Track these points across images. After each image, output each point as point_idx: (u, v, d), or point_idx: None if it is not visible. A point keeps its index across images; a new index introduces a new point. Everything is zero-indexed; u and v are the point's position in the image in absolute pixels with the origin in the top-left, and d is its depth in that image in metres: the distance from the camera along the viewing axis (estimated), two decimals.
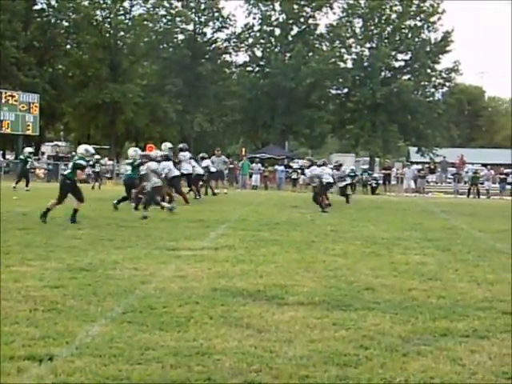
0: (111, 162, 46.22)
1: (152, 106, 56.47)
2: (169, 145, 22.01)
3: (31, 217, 15.47)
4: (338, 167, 26.03)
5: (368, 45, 59.96)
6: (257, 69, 62.92)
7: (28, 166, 28.87)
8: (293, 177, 41.61)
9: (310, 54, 59.90)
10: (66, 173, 15.21)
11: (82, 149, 15.41)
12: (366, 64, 59.33)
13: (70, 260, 9.32)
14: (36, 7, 56.00)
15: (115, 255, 9.90)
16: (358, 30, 59.97)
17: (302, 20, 60.89)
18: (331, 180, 22.41)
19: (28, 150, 30.88)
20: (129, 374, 4.60)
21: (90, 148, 15.82)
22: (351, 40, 60.29)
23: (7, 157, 55.36)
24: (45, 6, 56.23)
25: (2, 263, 8.88)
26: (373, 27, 59.35)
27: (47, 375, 4.52)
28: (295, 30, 61.24)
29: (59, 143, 69.71)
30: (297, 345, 5.41)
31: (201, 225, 14.76)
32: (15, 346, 5.13)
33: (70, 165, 15.41)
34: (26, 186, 27.55)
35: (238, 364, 4.87)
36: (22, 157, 29.88)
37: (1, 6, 50.80)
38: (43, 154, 58.36)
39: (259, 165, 43.71)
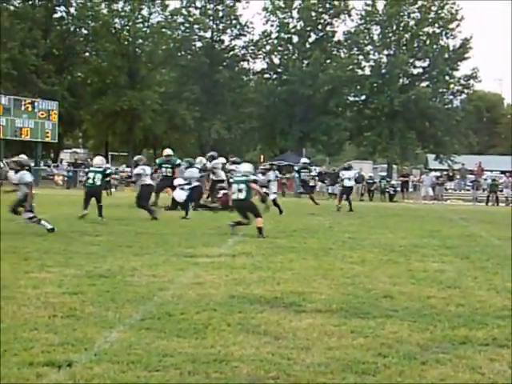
0: (129, 169, 46.36)
1: (170, 113, 56.68)
2: (169, 151, 22.24)
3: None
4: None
5: (386, 52, 59.86)
6: (274, 76, 62.96)
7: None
8: (310, 184, 41.51)
9: (328, 61, 59.87)
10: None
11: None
12: (383, 71, 59.22)
13: (89, 266, 9.36)
14: (55, 15, 56.49)
15: (133, 262, 9.93)
16: (375, 37, 59.89)
17: (319, 27, 60.88)
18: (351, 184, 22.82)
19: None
20: (147, 380, 4.61)
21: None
22: (369, 47, 60.24)
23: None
24: (64, 14, 56.72)
25: (22, 269, 8.94)
26: (391, 34, 59.26)
27: (66, 381, 4.55)
28: (313, 37, 61.24)
29: (78, 150, 70.14)
30: (314, 352, 5.40)
31: (218, 232, 14.78)
32: (34, 352, 5.16)
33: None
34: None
35: (255, 371, 4.88)
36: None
37: (21, 14, 51.28)
38: (62, 160, 58.68)
39: (277, 172, 43.67)
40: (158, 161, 23.10)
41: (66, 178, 44.64)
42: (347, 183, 25.28)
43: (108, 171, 18.43)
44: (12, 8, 53.92)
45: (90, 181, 17.42)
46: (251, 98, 61.30)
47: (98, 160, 18.49)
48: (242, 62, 63.34)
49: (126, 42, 56.75)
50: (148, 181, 18.64)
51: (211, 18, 60.19)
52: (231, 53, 62.28)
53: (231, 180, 16.12)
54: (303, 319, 6.52)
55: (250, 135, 64.66)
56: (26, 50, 49.94)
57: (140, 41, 57.27)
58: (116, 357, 5.09)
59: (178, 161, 22.52)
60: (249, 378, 4.74)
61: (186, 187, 19.18)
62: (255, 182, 15.12)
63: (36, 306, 6.76)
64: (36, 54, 50.66)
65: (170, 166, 21.82)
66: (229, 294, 7.60)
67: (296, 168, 32.37)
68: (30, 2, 54.38)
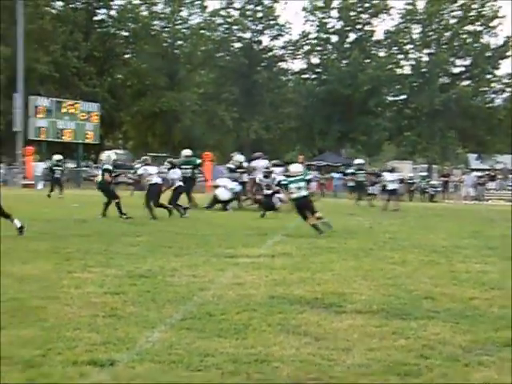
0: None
1: (209, 113, 56.96)
2: (188, 152, 22.22)
3: (90, 224, 15.76)
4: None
5: (426, 50, 59.34)
6: (313, 76, 62.85)
7: (58, 175, 28.80)
8: (349, 184, 41.36)
9: (367, 60, 59.60)
10: None
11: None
12: (424, 70, 58.72)
13: (130, 267, 9.43)
14: (96, 18, 57.17)
15: (174, 262, 9.98)
16: (415, 36, 59.41)
17: (358, 26, 60.62)
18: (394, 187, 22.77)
19: (56, 157, 30.36)
20: (189, 380, 4.63)
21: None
22: (409, 46, 59.77)
23: (68, 165, 56.38)
24: (105, 17, 57.35)
25: (64, 269, 9.05)
26: (431, 33, 58.74)
27: (109, 380, 4.58)
28: (352, 36, 61.04)
29: (118, 151, 70.77)
30: (355, 353, 5.37)
31: (258, 232, 14.78)
32: (78, 351, 5.21)
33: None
34: (60, 193, 27.66)
35: (296, 372, 4.86)
36: (49, 164, 30.24)
37: (63, 17, 51.98)
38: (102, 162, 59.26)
39: (316, 172, 43.60)
40: (177, 161, 23.01)
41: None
42: (390, 186, 25.19)
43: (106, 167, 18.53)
44: (54, 11, 54.66)
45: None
46: (290, 98, 61.28)
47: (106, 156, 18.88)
48: (280, 63, 63.37)
49: (166, 44, 57.17)
50: (154, 180, 18.67)
51: (250, 18, 60.31)
52: (270, 53, 62.33)
53: (284, 182, 16.08)
54: (344, 320, 6.48)
55: (288, 135, 64.65)
56: (67, 52, 50.63)
57: (179, 42, 57.69)
58: (157, 356, 5.11)
59: (198, 161, 22.45)
60: (289, 378, 4.72)
61: (230, 186, 19.27)
62: (310, 180, 15.57)
63: (78, 306, 6.83)
64: (77, 57, 51.36)
65: (189, 166, 21.72)
66: (269, 295, 7.60)
67: (351, 170, 32.14)
68: (72, 6, 55.09)
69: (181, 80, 56.78)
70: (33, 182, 40.44)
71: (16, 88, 43.16)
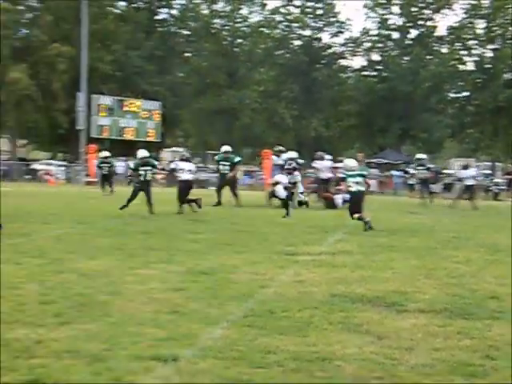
0: None
1: (268, 111, 57.02)
2: (227, 148, 22.06)
3: (151, 221, 15.95)
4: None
5: (490, 46, 58.23)
6: (374, 73, 62.31)
7: (105, 172, 28.61)
8: (409, 182, 40.88)
9: (429, 56, 58.80)
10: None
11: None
12: (487, 66, 57.63)
13: (191, 263, 9.51)
14: (158, 17, 57.82)
15: (235, 259, 10.03)
16: (479, 31, 58.35)
17: (420, 22, 59.86)
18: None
19: (103, 154, 30.04)
20: (251, 377, 4.64)
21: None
22: (472, 42, 58.74)
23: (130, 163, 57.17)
24: (166, 16, 57.99)
25: (127, 265, 9.18)
26: (496, 28, 57.59)
27: (172, 376, 4.63)
28: (413, 32, 60.29)
29: (178, 149, 71.39)
30: (419, 353, 5.31)
31: (318, 230, 14.73)
32: (141, 346, 5.28)
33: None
34: (110, 189, 27.58)
35: (359, 371, 4.83)
36: (96, 162, 30.42)
37: (125, 17, 52.75)
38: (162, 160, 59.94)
39: (376, 170, 43.23)
40: (217, 157, 22.88)
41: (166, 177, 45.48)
42: (467, 182, 25.30)
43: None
44: (117, 11, 55.49)
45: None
46: (350, 95, 60.91)
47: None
48: (340, 60, 63.02)
49: (226, 42, 57.48)
50: (184, 176, 18.69)
51: (310, 16, 60.15)
52: (330, 50, 62.05)
53: (342, 175, 16.22)
54: (406, 319, 6.42)
55: (348, 133, 64.26)
56: (129, 51, 51.35)
57: (239, 40, 57.92)
58: (220, 353, 5.15)
59: (237, 158, 22.11)
60: (352, 377, 4.70)
61: (283, 183, 19.21)
62: (365, 176, 15.70)
63: (142, 302, 6.92)
64: (139, 56, 52.01)
65: (228, 163, 21.47)
66: (330, 293, 7.57)
67: (413, 166, 31.56)
68: (134, 5, 55.84)
69: (240, 78, 57.01)
70: (96, 180, 41.12)
71: (79, 87, 43.96)
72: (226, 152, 21.95)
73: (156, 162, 19.16)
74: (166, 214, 17.64)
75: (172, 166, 19.30)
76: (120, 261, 9.60)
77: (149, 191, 17.87)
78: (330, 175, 23.13)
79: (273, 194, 20.53)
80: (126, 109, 46.72)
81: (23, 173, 46.46)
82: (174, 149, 71.37)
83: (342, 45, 61.73)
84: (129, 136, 46.96)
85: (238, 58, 57.48)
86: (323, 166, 23.65)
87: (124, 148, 54.25)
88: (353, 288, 7.90)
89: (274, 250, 11.12)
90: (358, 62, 64.01)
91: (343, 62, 63.50)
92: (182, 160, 19.29)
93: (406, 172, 40.31)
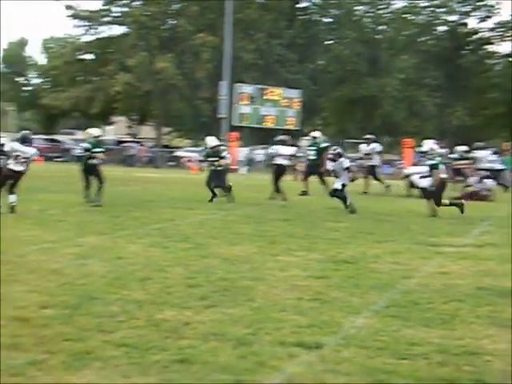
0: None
1: (410, 99, 55.91)
2: (316, 133, 21.28)
3: (291, 208, 16.06)
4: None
5: None
6: None
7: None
8: None
9: None
10: None
11: None
12: None
13: (332, 252, 9.51)
14: (300, 5, 57.94)
15: (376, 249, 9.93)
16: None
17: None
18: None
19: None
20: (395, 368, 4.58)
21: None
22: None
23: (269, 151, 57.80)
24: (308, 4, 58.00)
25: (268, 252, 9.30)
26: None
27: (316, 363, 4.65)
28: None
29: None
30: None
31: (462, 221, 14.32)
32: (284, 332, 5.34)
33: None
34: None
35: (509, 367, 4.65)
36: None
37: (268, 6, 53.24)
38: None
39: None
40: (305, 143, 22.13)
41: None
42: None
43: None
44: (260, 0, 56.03)
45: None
46: (497, 82, 58.61)
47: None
48: (487, 45, 60.73)
49: (368, 29, 56.83)
50: (279, 161, 18.71)
51: (457, 0, 58.30)
52: (476, 36, 59.94)
53: (433, 162, 15.50)
54: None
55: (494, 122, 61.90)
56: (271, 40, 51.81)
57: (381, 27, 57.09)
58: (363, 342, 5.12)
59: (324, 144, 20.98)
60: (502, 374, 4.54)
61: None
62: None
63: (284, 288, 6.99)
64: (281, 44, 52.38)
65: (315, 148, 20.17)
66: (476, 286, 7.34)
67: None
68: None
69: (382, 65, 56.15)
70: (236, 167, 41.86)
71: (222, 76, 44.82)
72: (314, 137, 21.08)
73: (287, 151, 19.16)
74: (307, 202, 17.70)
75: (270, 150, 19.31)
76: (261, 247, 9.74)
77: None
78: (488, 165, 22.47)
79: (412, 184, 20.11)
80: (266, 97, 47.25)
81: (167, 160, 48.05)
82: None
83: (491, 30, 59.41)
84: (269, 124, 47.45)
85: (380, 45, 56.64)
86: (482, 156, 22.89)
87: (263, 136, 54.97)
88: (500, 282, 7.63)
89: (416, 241, 10.92)
90: (506, 47, 61.14)
91: (490, 48, 61.15)
92: (282, 143, 19.29)
93: None
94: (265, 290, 6.84)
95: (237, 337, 5.15)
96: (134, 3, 54.83)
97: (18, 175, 13.25)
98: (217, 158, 17.72)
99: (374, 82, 53.42)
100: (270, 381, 4.29)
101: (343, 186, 15.43)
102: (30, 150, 13.49)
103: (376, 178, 22.72)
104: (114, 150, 46.34)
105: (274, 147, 19.30)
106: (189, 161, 44.20)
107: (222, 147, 18.70)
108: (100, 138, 16.16)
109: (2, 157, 15.45)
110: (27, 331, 5.09)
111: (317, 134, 20.76)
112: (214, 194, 17.33)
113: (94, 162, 15.49)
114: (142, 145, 51.07)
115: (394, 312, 6.07)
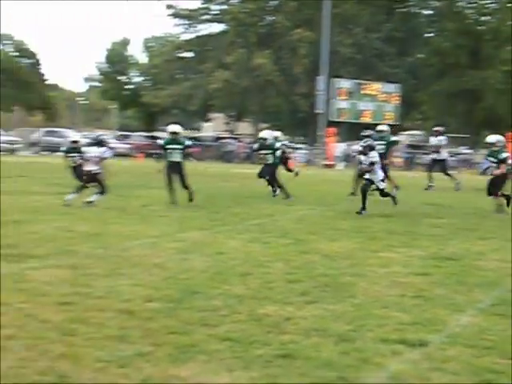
0: (470, 151, 45.37)
1: None
2: (383, 127, 20.27)
3: (390, 204, 15.82)
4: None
5: None
6: None
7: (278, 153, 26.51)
8: None
9: None
10: None
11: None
12: None
13: (434, 248, 9.34)
14: None
15: (480, 246, 9.70)
16: None
17: None
18: None
19: (275, 134, 27.05)
20: (505, 368, 4.45)
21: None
22: None
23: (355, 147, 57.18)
24: None
25: (369, 248, 9.22)
26: None
27: (421, 360, 4.57)
28: None
29: (415, 132, 70.21)
30: None
31: None
32: (387, 329, 5.27)
33: None
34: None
35: None
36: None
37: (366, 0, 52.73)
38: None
39: None
40: (373, 137, 21.20)
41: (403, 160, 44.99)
42: None
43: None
44: None
45: None
46: None
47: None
48: None
49: (470, 21, 55.40)
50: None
51: None
52: None
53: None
54: None
55: None
56: (369, 34, 51.29)
57: (484, 18, 55.55)
58: (469, 341, 5.00)
59: (393, 138, 19.86)
60: None
61: None
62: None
63: (385, 285, 6.91)
64: (379, 38, 51.78)
65: (383, 142, 19.52)
66: None
67: None
68: None
69: (484, 57, 54.62)
70: (333, 163, 41.68)
71: (320, 71, 44.70)
72: (380, 131, 20.35)
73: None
74: (406, 198, 17.43)
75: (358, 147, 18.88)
76: (361, 243, 9.66)
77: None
78: None
79: None
80: (364, 92, 46.87)
81: None
82: (411, 132, 70.50)
83: None
84: (366, 119, 47.01)
85: (482, 36, 55.14)
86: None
87: (361, 131, 54.39)
88: None
89: None
90: None
91: None
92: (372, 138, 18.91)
93: None
94: (366, 287, 6.78)
95: (338, 333, 5.12)
96: (232, 1, 55.41)
97: (93, 175, 13.69)
98: (270, 151, 16.99)
99: (476, 74, 52.02)
100: (375, 378, 4.24)
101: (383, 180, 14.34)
102: (102, 151, 13.94)
103: (446, 173, 21.43)
104: (213, 147, 46.97)
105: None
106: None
107: (275, 141, 17.85)
108: (177, 135, 14.93)
109: (76, 154, 16.11)
110: (133, 324, 5.22)
111: (384, 127, 20.22)
112: (273, 187, 16.98)
113: (174, 159, 14.57)
114: (240, 141, 51.56)
115: (500, 310, 5.90)
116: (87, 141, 15.87)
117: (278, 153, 17.25)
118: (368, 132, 18.17)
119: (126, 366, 4.29)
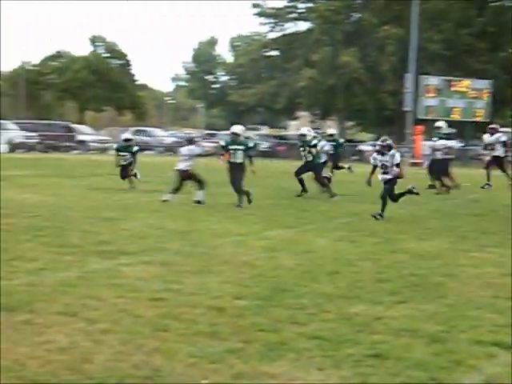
0: None
1: None
2: (441, 124, 19.77)
3: (484, 203, 15.48)
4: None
5: None
6: None
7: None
8: None
9: None
10: None
11: None
12: None
13: None
14: None
15: None
16: None
17: None
18: None
19: (329, 131, 23.62)
20: None
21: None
22: None
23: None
24: None
25: (460, 248, 9.03)
26: None
27: None
28: None
29: (506, 129, 68.35)
30: None
31: None
32: (481, 331, 5.15)
33: None
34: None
35: None
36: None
37: None
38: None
39: None
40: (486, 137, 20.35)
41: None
42: None
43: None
44: None
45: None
46: None
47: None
48: None
49: None
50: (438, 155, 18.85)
51: None
52: None
53: None
54: None
55: None
56: (459, 29, 50.19)
57: None
58: None
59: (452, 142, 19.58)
60: None
61: None
62: None
63: (478, 286, 6.76)
64: (469, 33, 50.59)
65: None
66: None
67: None
68: None
69: None
70: (421, 161, 40.97)
71: (407, 68, 44.02)
72: (438, 127, 19.79)
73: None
74: (497, 197, 17.01)
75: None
76: (452, 243, 9.48)
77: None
78: None
79: None
80: (453, 89, 45.86)
81: (351, 154, 47.93)
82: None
83: None
84: (456, 116, 45.99)
85: None
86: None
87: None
88: None
89: None
90: None
91: None
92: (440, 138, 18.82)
93: None
94: (458, 287, 6.65)
95: (430, 333, 5.04)
96: None
97: (185, 173, 13.84)
98: (306, 149, 16.63)
99: None
100: (469, 380, 4.15)
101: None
102: (193, 149, 14.24)
103: (503, 170, 20.45)
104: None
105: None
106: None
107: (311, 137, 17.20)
108: (238, 137, 14.58)
109: (127, 153, 16.60)
110: (223, 320, 5.28)
111: (441, 124, 19.84)
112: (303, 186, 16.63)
113: (236, 160, 14.33)
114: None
115: None
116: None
117: (315, 150, 16.69)
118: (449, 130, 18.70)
119: (218, 362, 4.34)
